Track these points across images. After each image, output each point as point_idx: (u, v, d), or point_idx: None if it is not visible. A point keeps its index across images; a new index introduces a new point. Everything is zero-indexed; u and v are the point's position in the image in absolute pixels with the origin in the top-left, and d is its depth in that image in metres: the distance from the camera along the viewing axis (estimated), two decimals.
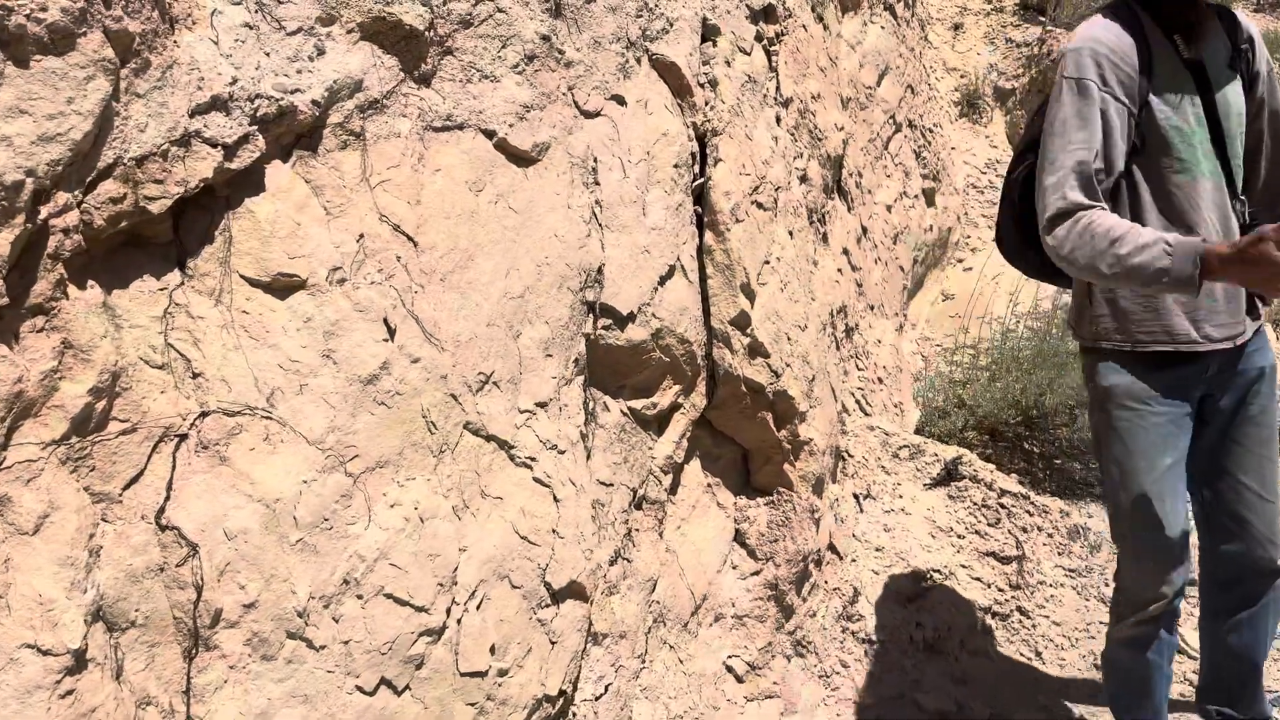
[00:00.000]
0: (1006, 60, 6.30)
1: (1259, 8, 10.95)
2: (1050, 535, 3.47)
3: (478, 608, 1.90)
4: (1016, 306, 4.76)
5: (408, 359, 1.91)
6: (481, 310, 2.10)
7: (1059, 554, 3.46)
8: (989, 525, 3.35)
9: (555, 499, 2.12)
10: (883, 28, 4.78)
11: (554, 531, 2.09)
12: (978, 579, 3.20)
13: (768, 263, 2.89)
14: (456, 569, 1.88)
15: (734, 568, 2.77)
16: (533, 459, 2.10)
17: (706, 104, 2.87)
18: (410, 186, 2.04)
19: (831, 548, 3.06)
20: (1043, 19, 6.28)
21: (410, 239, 2.00)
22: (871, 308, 4.09)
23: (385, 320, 1.90)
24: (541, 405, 2.17)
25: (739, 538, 2.80)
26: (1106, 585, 3.49)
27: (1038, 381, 4.11)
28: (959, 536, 3.29)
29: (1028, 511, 3.47)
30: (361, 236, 1.93)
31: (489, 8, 2.30)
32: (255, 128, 1.82)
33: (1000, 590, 3.19)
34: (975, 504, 3.39)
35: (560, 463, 2.16)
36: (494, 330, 2.11)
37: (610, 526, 2.36)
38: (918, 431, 4.24)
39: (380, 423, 1.84)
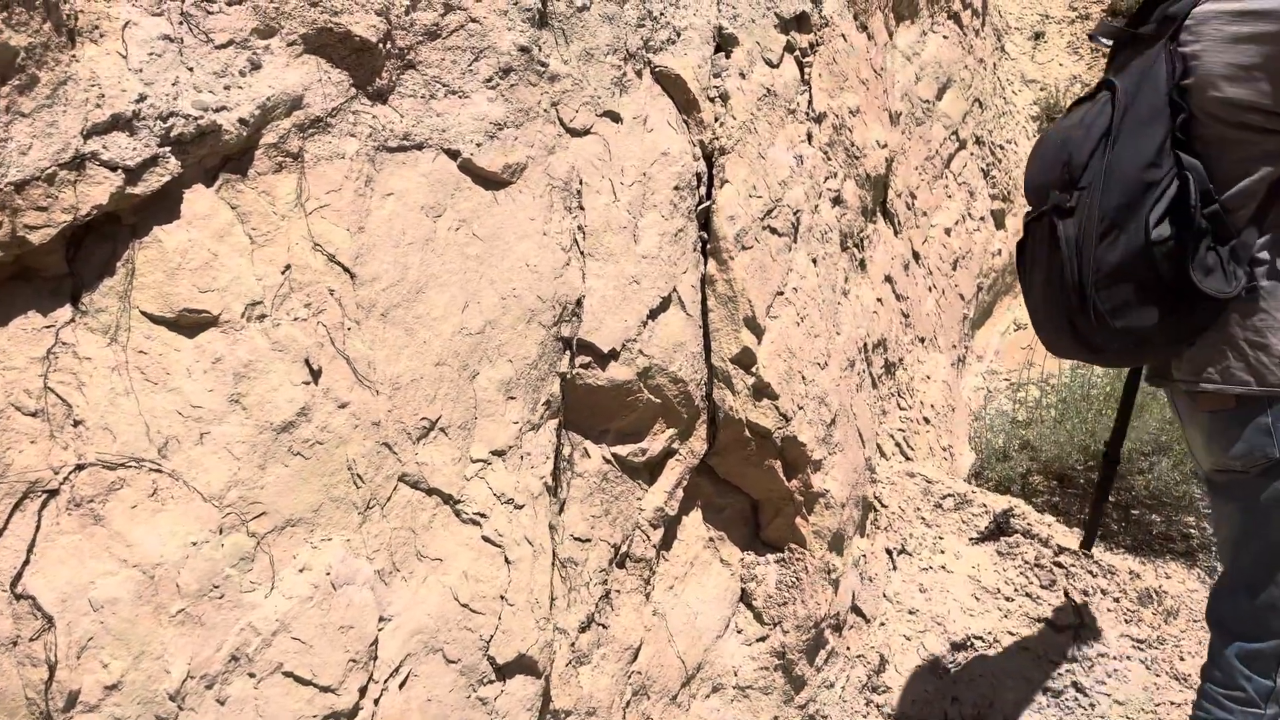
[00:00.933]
0: (1091, 71, 5.87)
1: None
2: (1117, 600, 3.10)
3: (401, 686, 1.68)
4: None
5: (333, 404, 1.72)
6: (430, 348, 1.89)
7: (1126, 621, 3.08)
8: (1042, 587, 3.00)
9: (507, 560, 1.89)
10: (945, 38, 4.46)
11: (503, 598, 1.86)
12: (1026, 649, 2.85)
13: (781, 293, 2.63)
14: (376, 642, 1.67)
15: (739, 632, 2.50)
16: (482, 515, 1.88)
17: (716, 120, 2.63)
18: (353, 212, 1.86)
19: (856, 609, 2.76)
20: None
21: (347, 270, 1.81)
22: (921, 340, 3.77)
23: (308, 361, 1.71)
24: (498, 454, 1.96)
25: (745, 598, 2.54)
26: (1182, 659, 3.10)
27: (1108, 424, 3.72)
28: (1007, 599, 2.95)
29: (1090, 572, 3.10)
30: (289, 268, 1.75)
31: (460, 17, 2.11)
32: (167, 149, 1.65)
33: (1053, 662, 2.84)
34: (1027, 562, 3.04)
35: (516, 519, 1.94)
36: (444, 370, 1.90)
37: (584, 588, 2.13)
38: (974, 476, 3.89)
39: (294, 475, 1.65)
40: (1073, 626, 2.94)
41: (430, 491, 1.83)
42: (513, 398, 2.01)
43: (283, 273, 1.73)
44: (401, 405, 1.82)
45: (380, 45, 1.95)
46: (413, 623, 1.73)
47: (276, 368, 1.67)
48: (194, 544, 1.52)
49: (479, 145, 2.08)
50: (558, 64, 2.28)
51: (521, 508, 1.96)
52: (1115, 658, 2.99)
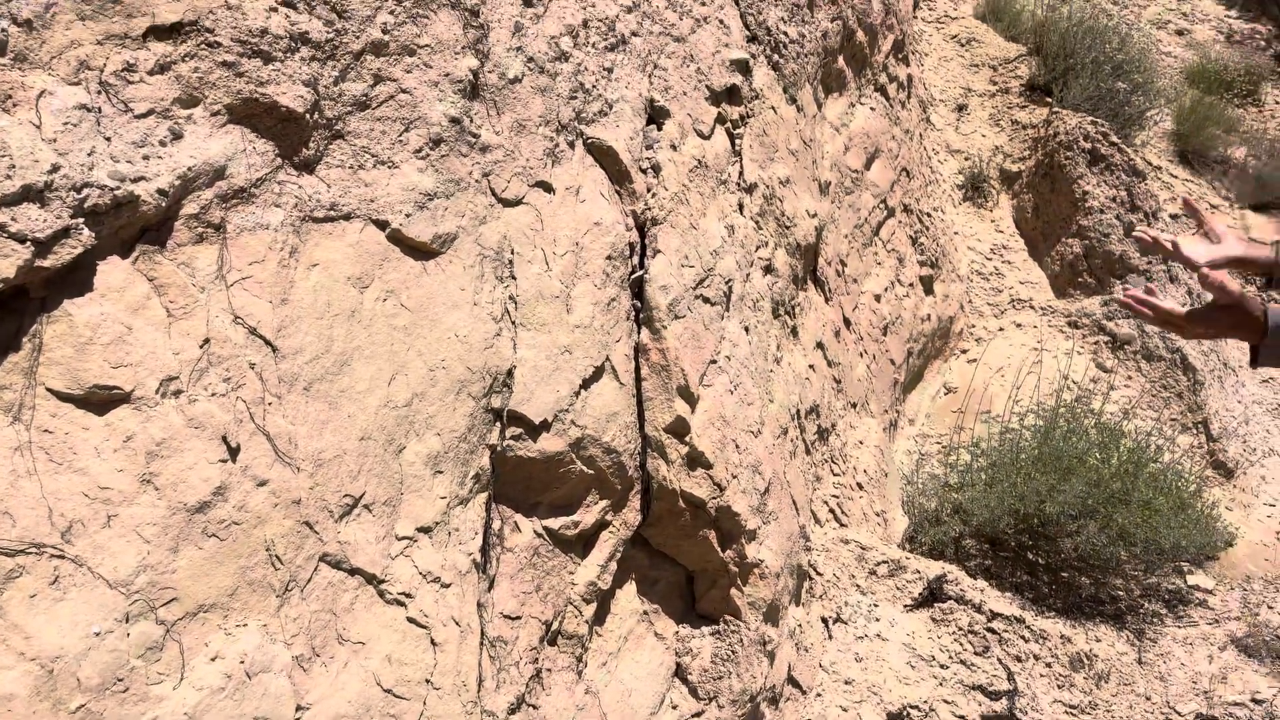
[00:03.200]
0: (1012, 143, 6.08)
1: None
2: (1049, 665, 3.11)
3: None
4: (1018, 404, 4.45)
5: (251, 482, 1.66)
6: (355, 422, 1.85)
7: (1059, 687, 3.09)
8: (976, 654, 3.00)
9: (433, 642, 1.83)
10: (873, 109, 4.59)
11: (428, 681, 1.80)
12: (962, 717, 2.84)
13: (715, 362, 2.63)
14: None
15: (674, 708, 2.45)
16: (408, 595, 1.82)
17: (648, 191, 2.65)
18: (276, 284, 1.82)
19: (792, 681, 2.73)
20: (1049, 100, 6.07)
21: (269, 343, 1.77)
22: (854, 405, 3.80)
23: (225, 438, 1.65)
24: (425, 530, 1.90)
25: (680, 673, 2.49)
26: None
27: (1038, 487, 3.78)
28: (942, 666, 2.95)
29: (1023, 637, 3.11)
30: (207, 341, 1.69)
31: (390, 88, 2.11)
32: (81, 220, 1.60)
33: None
34: (961, 629, 3.05)
35: (443, 598, 1.88)
36: (369, 445, 1.85)
37: (514, 668, 2.07)
38: (908, 542, 3.91)
39: (209, 558, 1.58)
40: (1007, 693, 2.94)
41: (353, 571, 1.77)
42: (440, 472, 1.97)
43: (201, 347, 1.68)
44: (324, 482, 1.76)
45: (308, 115, 1.93)
46: (332, 711, 1.66)
47: (192, 445, 1.61)
48: (97, 634, 1.44)
49: (408, 215, 2.06)
50: (490, 135, 2.29)
51: (449, 586, 1.90)
52: None
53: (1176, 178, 6.80)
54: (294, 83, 1.91)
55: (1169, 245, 2.26)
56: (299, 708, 1.61)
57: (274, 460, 1.70)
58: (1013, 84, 6.32)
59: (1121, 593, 4.00)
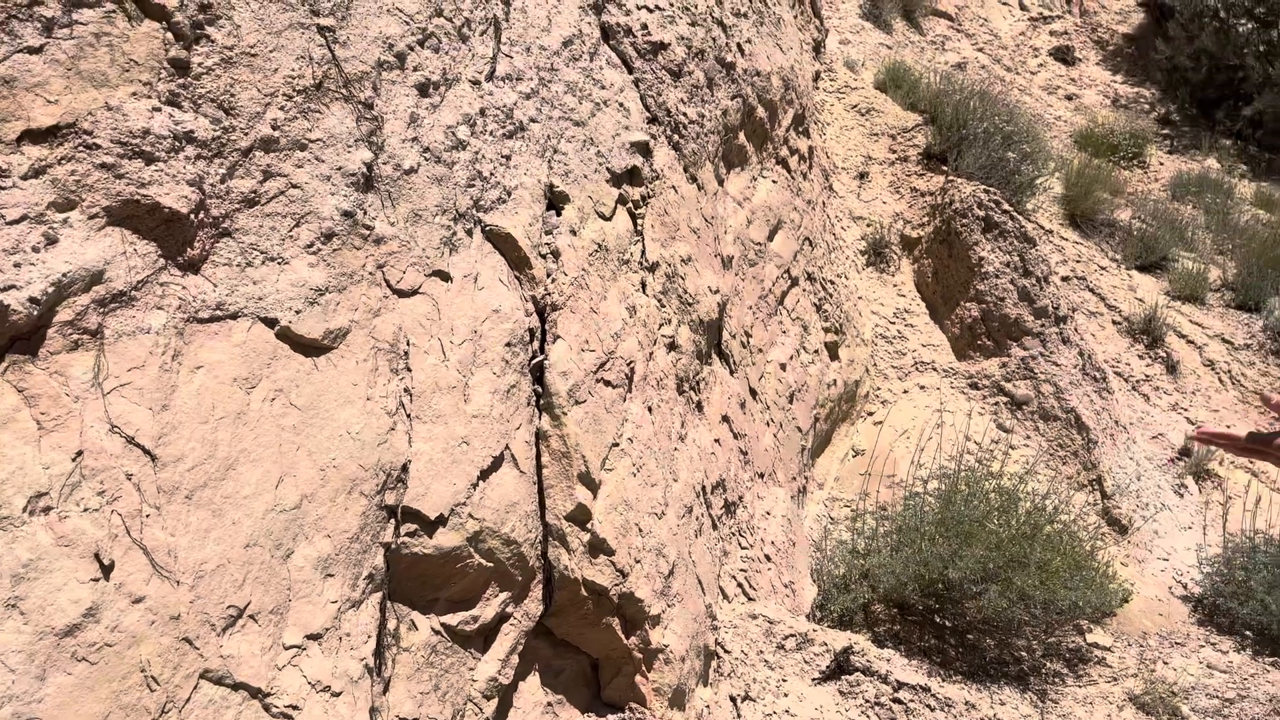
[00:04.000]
0: (912, 209, 6.30)
1: (1172, 150, 11.38)
2: None
3: None
4: (921, 467, 4.55)
5: (126, 599, 1.60)
6: (240, 530, 1.80)
7: None
8: None
9: None
10: (774, 182, 4.71)
11: None
12: None
13: (617, 445, 2.64)
14: None
15: None
16: (295, 707, 1.77)
17: (548, 276, 2.66)
18: (157, 389, 1.77)
19: None
20: (945, 168, 6.32)
21: (148, 452, 1.72)
22: (761, 475, 3.84)
23: (98, 555, 1.60)
24: (315, 637, 1.86)
25: None
26: None
27: (941, 552, 3.86)
28: None
29: (928, 706, 3.15)
30: (80, 453, 1.64)
31: (280, 184, 2.09)
32: None
33: None
34: (869, 701, 3.07)
35: (334, 708, 1.83)
36: (255, 552, 1.81)
37: None
38: (818, 610, 3.94)
39: (78, 684, 1.52)
40: None
41: (236, 686, 1.71)
42: (331, 575, 1.92)
43: (74, 459, 1.63)
44: (206, 594, 1.71)
45: (192, 215, 1.90)
46: None
47: (61, 565, 1.55)
48: None
49: (298, 312, 2.04)
50: (384, 226, 2.28)
51: (339, 695, 1.85)
52: None
53: (1067, 240, 7.12)
54: (178, 182, 1.89)
55: (1237, 435, 2.12)
56: None
57: (151, 575, 1.64)
58: (911, 152, 6.57)
59: (1025, 653, 4.09)
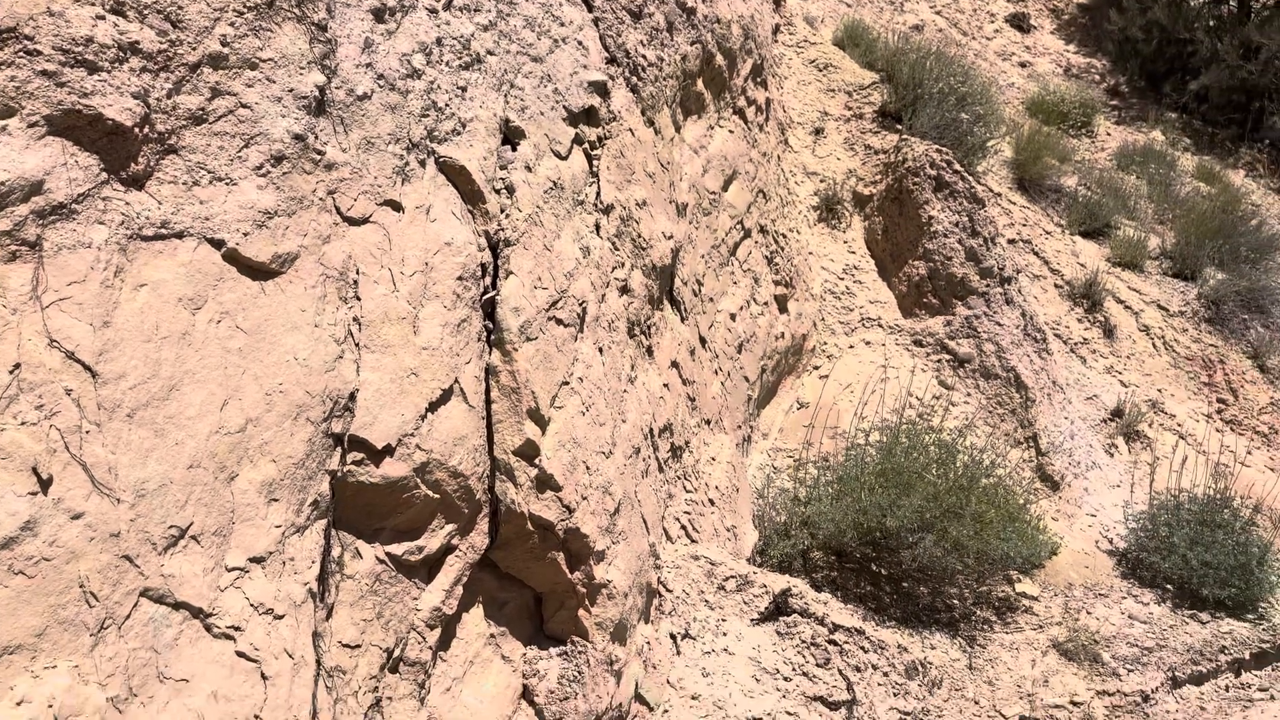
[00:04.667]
0: (865, 167, 6.33)
1: (1120, 120, 11.56)
2: (886, 674, 3.25)
3: None
4: (864, 420, 4.63)
5: (65, 515, 1.58)
6: (183, 450, 1.78)
7: (894, 694, 3.23)
8: (818, 666, 3.11)
9: (264, 676, 1.78)
10: (731, 132, 4.70)
11: (257, 717, 1.75)
12: None
13: (567, 384, 2.65)
14: None
15: None
16: (236, 628, 1.77)
17: (502, 211, 2.64)
18: (98, 305, 1.74)
19: (639, 698, 2.76)
20: (900, 127, 6.35)
21: (88, 368, 1.68)
22: (708, 422, 3.88)
23: (36, 469, 1.57)
24: (258, 561, 1.85)
25: (527, 695, 2.49)
26: None
27: (880, 501, 3.94)
28: (785, 679, 3.04)
29: (862, 648, 3.24)
30: (18, 366, 1.60)
31: (229, 103, 2.04)
32: None
33: None
34: (805, 642, 3.15)
35: (276, 630, 1.83)
36: (198, 473, 1.79)
37: (352, 698, 2.03)
38: (758, 555, 4.01)
39: (15, 597, 1.50)
40: (845, 703, 3.06)
41: (177, 605, 1.71)
42: (276, 499, 1.91)
43: (11, 372, 1.59)
44: (147, 513, 1.69)
45: (136, 129, 1.85)
46: None
47: None
48: None
49: (246, 234, 2.00)
50: (336, 152, 2.24)
51: (282, 618, 1.85)
52: None
53: (1015, 203, 7.22)
54: (122, 94, 1.83)
55: None
56: None
57: (91, 491, 1.62)
58: (866, 110, 6.59)
59: (956, 601, 4.22)
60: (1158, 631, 4.38)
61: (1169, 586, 4.74)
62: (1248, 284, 7.12)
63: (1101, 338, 6.50)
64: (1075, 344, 6.30)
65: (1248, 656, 4.43)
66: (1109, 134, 10.79)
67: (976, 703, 3.54)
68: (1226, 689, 4.28)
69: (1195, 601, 4.65)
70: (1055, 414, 5.49)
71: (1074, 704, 3.72)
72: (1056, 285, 6.67)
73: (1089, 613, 4.43)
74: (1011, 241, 6.71)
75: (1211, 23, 11.49)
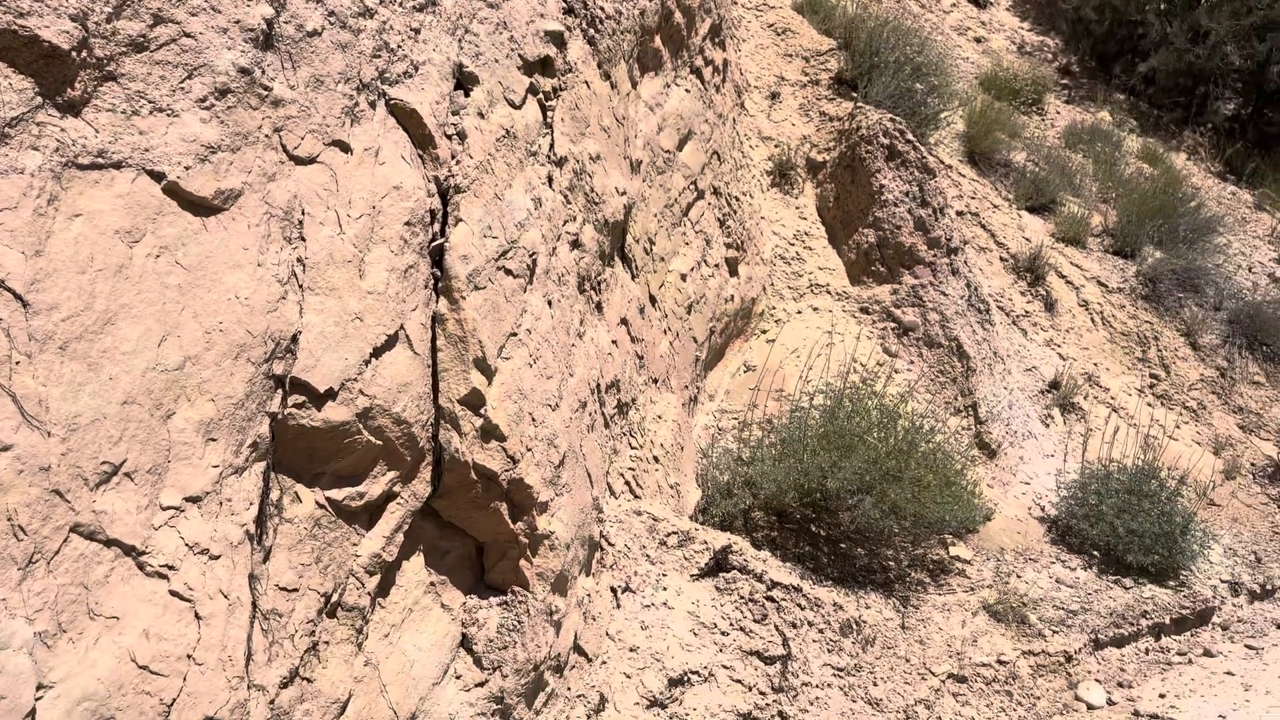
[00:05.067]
0: (819, 133, 6.35)
1: (1069, 99, 11.71)
2: (821, 631, 3.31)
3: None
4: (808, 384, 4.68)
5: None
6: (117, 385, 1.74)
7: (829, 651, 3.30)
8: (755, 621, 3.16)
9: (197, 616, 1.76)
10: (688, 91, 4.67)
11: (190, 657, 1.73)
12: (739, 681, 2.99)
13: (515, 335, 2.63)
14: (33, 714, 1.50)
15: (458, 678, 2.46)
16: (170, 567, 1.74)
17: (453, 157, 2.61)
18: (31, 234, 1.68)
19: (578, 649, 2.79)
20: (855, 95, 6.37)
21: (19, 297, 1.63)
22: (655, 381, 3.89)
23: None
24: (194, 500, 1.82)
25: (466, 643, 2.50)
26: (875, 685, 3.35)
27: (821, 463, 4.00)
28: (723, 634, 3.09)
29: (799, 605, 3.30)
30: None
31: (171, 30, 1.98)
32: None
33: (761, 693, 2.99)
34: (743, 597, 3.20)
35: (211, 571, 1.81)
36: (133, 410, 1.75)
37: (288, 641, 2.02)
38: (700, 513, 4.05)
39: None
40: (781, 658, 3.11)
41: (109, 543, 1.68)
42: (214, 439, 1.88)
43: None
44: (79, 448, 1.65)
45: (74, 53, 1.79)
46: (80, 689, 1.57)
47: None
48: None
49: (188, 168, 1.95)
50: (283, 88, 2.18)
51: (217, 558, 1.83)
52: (817, 685, 3.19)
53: (965, 176, 7.30)
54: (59, 16, 1.77)
55: None
56: (41, 686, 1.52)
57: (20, 423, 1.58)
58: (823, 76, 6.59)
59: (892, 562, 4.31)
60: (1083, 595, 4.52)
61: (1096, 553, 4.90)
62: (1184, 263, 7.30)
63: (1043, 311, 6.62)
64: (1017, 316, 6.42)
65: (1168, 621, 4.60)
66: (1059, 112, 10.93)
67: (908, 660, 3.64)
68: (1146, 652, 4.44)
69: (1120, 568, 4.81)
70: (995, 384, 5.59)
71: (1000, 663, 3.83)
72: (1002, 258, 6.78)
73: (1019, 576, 4.56)
74: (960, 214, 6.79)
75: (1163, 6, 11.66)
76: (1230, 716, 3.80)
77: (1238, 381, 6.79)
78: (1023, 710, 3.71)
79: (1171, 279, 7.24)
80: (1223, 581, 5.03)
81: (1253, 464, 6.25)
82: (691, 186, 4.64)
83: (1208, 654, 4.48)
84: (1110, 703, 3.98)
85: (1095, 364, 6.47)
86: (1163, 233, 7.66)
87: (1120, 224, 7.72)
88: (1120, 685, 4.14)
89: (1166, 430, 6.00)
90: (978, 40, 12.48)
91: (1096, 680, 4.08)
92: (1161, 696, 4.05)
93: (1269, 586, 5.15)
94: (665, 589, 3.14)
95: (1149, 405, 6.34)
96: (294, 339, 2.09)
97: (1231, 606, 4.91)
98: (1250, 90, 11.33)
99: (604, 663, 2.85)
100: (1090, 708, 3.89)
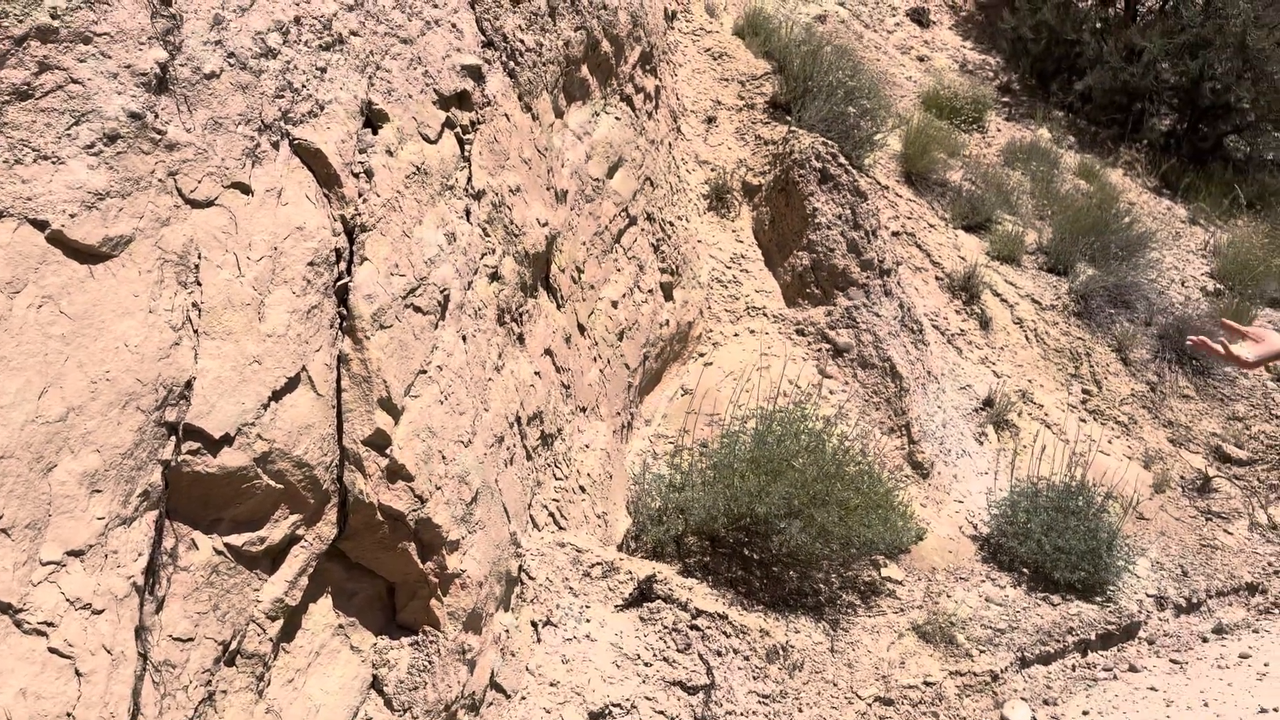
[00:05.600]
0: (755, 157, 6.41)
1: (1010, 117, 11.93)
2: (747, 658, 3.33)
3: None
4: (741, 407, 4.72)
5: None
6: None
7: (754, 678, 3.32)
8: (679, 651, 3.17)
9: (78, 673, 1.74)
10: (617, 119, 4.71)
11: (69, 715, 1.70)
12: (661, 712, 3.00)
13: (425, 372, 2.63)
14: None
15: None
16: (49, 624, 1.72)
17: (359, 196, 2.60)
18: None
19: (496, 686, 2.78)
20: (789, 119, 6.45)
21: None
22: (583, 410, 3.90)
23: None
24: (76, 554, 1.80)
25: (377, 685, 2.48)
26: (800, 711, 3.38)
27: (750, 488, 4.03)
28: (646, 664, 3.09)
29: (724, 633, 3.31)
30: None
31: (58, 77, 1.96)
32: None
33: None
34: (667, 627, 3.21)
35: (94, 625, 1.79)
36: (10, 464, 1.73)
37: (182, 692, 1.99)
38: (632, 541, 4.06)
39: None
40: (704, 687, 3.13)
41: None
42: (99, 490, 1.86)
43: None
44: None
45: None
46: None
47: None
48: None
49: (73, 216, 1.93)
50: (178, 131, 2.17)
51: (101, 613, 1.80)
52: (742, 714, 3.21)
53: (901, 197, 7.41)
54: None
55: (1220, 349, 2.58)
56: None
57: None
58: (759, 100, 6.66)
59: (823, 585, 4.34)
60: (1011, 614, 4.59)
61: (1025, 570, 4.97)
62: (1115, 280, 7.45)
63: (978, 329, 6.73)
64: (952, 335, 6.52)
65: (1094, 637, 4.68)
66: (999, 130, 11.12)
67: (835, 684, 3.67)
68: (1073, 668, 4.51)
69: (1049, 585, 4.89)
70: (929, 403, 5.67)
71: (927, 684, 3.88)
72: (938, 278, 6.88)
73: (949, 596, 4.61)
74: (896, 234, 6.89)
75: (1098, 25, 11.93)
76: None
77: (1168, 395, 6.94)
78: None
79: (1103, 295, 7.39)
80: (1149, 596, 5.13)
81: (1182, 477, 6.39)
82: (623, 213, 4.66)
83: (1133, 669, 4.57)
84: None
85: (1029, 381, 6.58)
86: (1095, 249, 7.81)
87: (1055, 241, 7.87)
88: (1046, 703, 4.20)
89: (1097, 445, 6.11)
90: (920, 59, 12.69)
91: (1022, 699, 4.14)
92: (1085, 714, 4.11)
93: (1194, 600, 5.26)
94: (588, 621, 3.14)
95: (1081, 421, 6.46)
96: (188, 385, 2.07)
97: (1158, 620, 5.01)
98: (1185, 106, 11.62)
99: (524, 699, 2.85)
100: None
